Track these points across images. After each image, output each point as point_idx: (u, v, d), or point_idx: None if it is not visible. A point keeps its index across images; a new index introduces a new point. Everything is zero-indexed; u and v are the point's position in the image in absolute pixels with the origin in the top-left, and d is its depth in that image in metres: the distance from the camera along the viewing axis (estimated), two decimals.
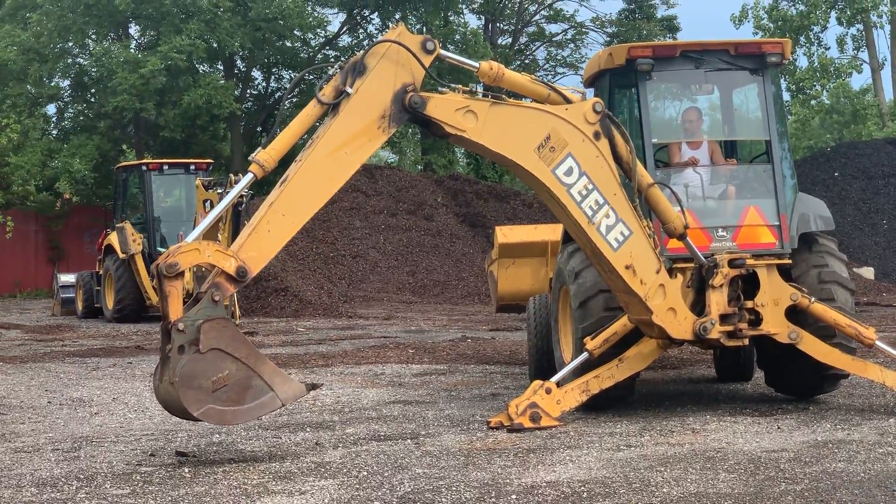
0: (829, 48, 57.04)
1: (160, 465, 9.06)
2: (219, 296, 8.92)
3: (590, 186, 10.30)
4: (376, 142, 9.82)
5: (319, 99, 9.66)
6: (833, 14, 53.01)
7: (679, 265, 11.18)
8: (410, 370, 15.54)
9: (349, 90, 9.62)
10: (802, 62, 52.68)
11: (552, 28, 58.31)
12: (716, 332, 10.81)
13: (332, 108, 9.74)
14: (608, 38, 55.13)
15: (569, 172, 10.25)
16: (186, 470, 8.76)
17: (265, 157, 9.39)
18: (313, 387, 9.61)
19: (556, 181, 10.24)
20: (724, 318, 10.89)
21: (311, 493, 7.93)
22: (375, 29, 53.58)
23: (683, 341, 11.13)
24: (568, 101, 10.44)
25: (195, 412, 8.76)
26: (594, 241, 10.38)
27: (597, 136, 10.36)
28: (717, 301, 10.87)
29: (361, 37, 53.44)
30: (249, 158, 9.49)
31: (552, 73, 59.48)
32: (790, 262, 11.41)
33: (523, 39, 58.89)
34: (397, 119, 9.78)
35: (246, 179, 9.53)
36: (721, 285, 10.88)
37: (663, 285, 10.59)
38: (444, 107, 9.98)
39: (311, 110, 9.73)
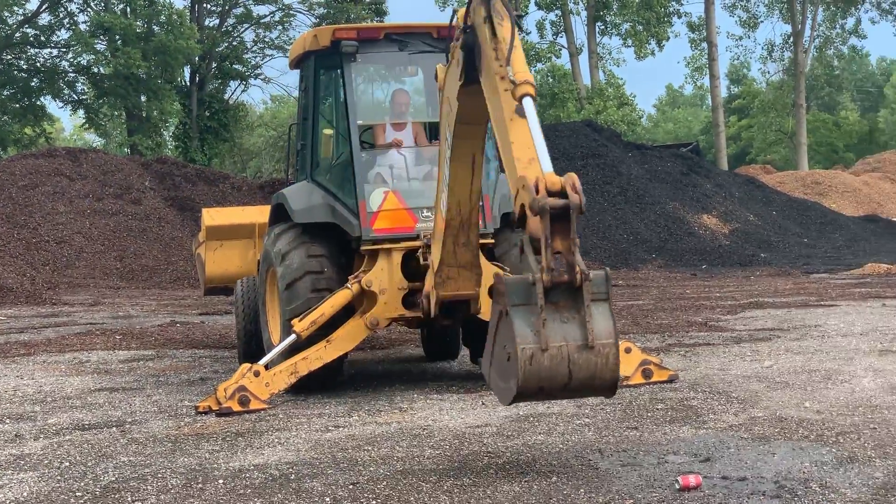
0: (529, 33, 58.83)
1: None
2: None
3: None
4: None
5: None
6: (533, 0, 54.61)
7: (387, 246, 11.32)
8: (117, 356, 15.16)
9: None
10: None
11: (260, 10, 57.95)
12: (434, 308, 10.97)
13: None
14: (317, 20, 55.10)
15: None
16: None
17: None
18: None
19: None
20: (428, 297, 11.08)
21: (9, 488, 7.63)
22: (77, 8, 51.96)
23: (421, 319, 11.34)
24: None
25: None
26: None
27: None
28: (429, 279, 11.02)
29: (62, 15, 51.70)
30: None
31: (260, 54, 59.12)
32: (493, 241, 11.70)
33: (231, 21, 58.21)
34: None
35: None
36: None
37: None
38: None
39: None
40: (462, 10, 9.28)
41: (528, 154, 7.47)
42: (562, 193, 6.88)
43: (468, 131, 9.47)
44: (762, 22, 69.68)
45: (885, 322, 16.49)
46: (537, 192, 6.86)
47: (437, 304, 10.82)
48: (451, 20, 9.48)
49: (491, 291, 7.14)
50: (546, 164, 7.19)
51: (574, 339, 6.81)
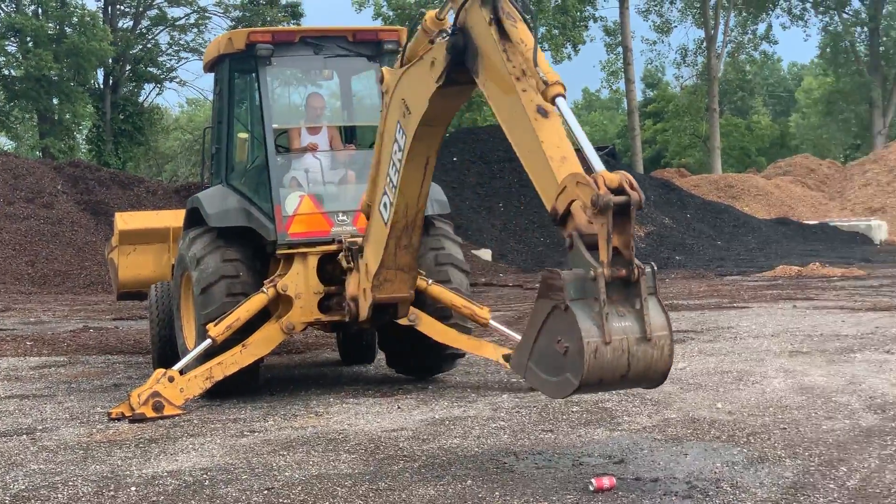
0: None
1: None
2: None
3: None
4: None
5: None
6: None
7: (303, 250, 11.30)
8: (28, 363, 14.94)
9: None
10: None
11: (174, 12, 57.38)
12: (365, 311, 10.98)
13: None
14: (232, 23, 54.73)
15: None
16: None
17: None
18: None
19: None
20: (355, 300, 11.09)
21: None
22: None
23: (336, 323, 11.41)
24: None
25: None
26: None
27: None
28: (356, 282, 11.02)
29: None
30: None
31: (175, 57, 58.59)
32: None
33: (145, 23, 57.61)
34: None
35: None
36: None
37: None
38: None
39: None
40: (432, 13, 9.29)
41: (559, 153, 7.55)
42: (620, 190, 6.95)
43: (428, 133, 9.52)
44: (676, 27, 70.26)
45: (795, 323, 16.75)
46: (599, 186, 6.91)
47: (370, 306, 10.83)
48: (416, 25, 9.48)
49: (543, 286, 7.17)
50: (597, 162, 7.26)
51: (633, 332, 6.98)
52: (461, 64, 8.52)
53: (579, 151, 7.59)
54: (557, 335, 7.05)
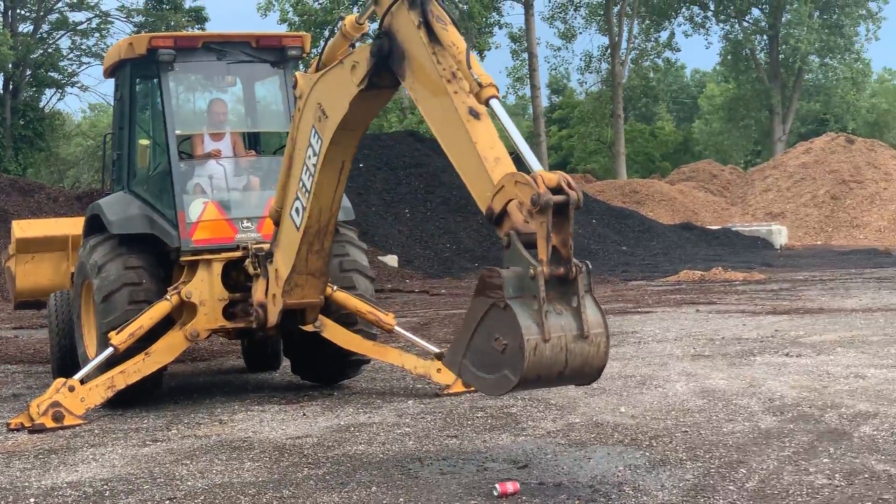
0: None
1: None
2: None
3: None
4: None
5: None
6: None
7: (207, 256, 11.22)
8: None
9: None
10: None
11: (76, 16, 56.59)
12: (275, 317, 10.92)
13: None
14: (135, 28, 54.11)
15: None
16: None
17: None
18: None
19: None
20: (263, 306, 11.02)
21: None
22: None
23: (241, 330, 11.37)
24: None
25: None
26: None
27: None
28: (263, 288, 10.94)
29: None
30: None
31: (77, 62, 57.79)
32: None
33: (46, 27, 56.75)
34: None
35: None
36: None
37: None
38: None
39: None
40: (352, 18, 9.26)
41: (493, 153, 7.61)
42: (559, 189, 6.99)
43: (346, 136, 9.50)
44: (580, 34, 70.92)
45: (697, 327, 16.97)
46: (538, 187, 6.93)
47: (280, 312, 10.76)
48: (333, 28, 9.46)
49: (480, 284, 7.23)
50: (535, 162, 7.31)
51: (571, 329, 7.05)
52: (385, 67, 8.52)
53: (514, 155, 7.68)
54: (496, 333, 7.10)
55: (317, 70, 9.71)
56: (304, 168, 9.88)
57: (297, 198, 10.07)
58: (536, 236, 7.04)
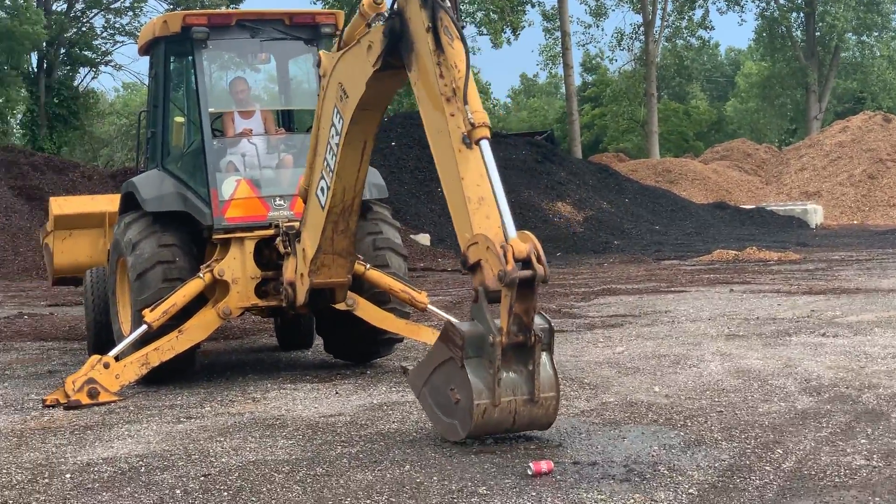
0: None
1: None
2: None
3: None
4: None
5: None
6: None
7: (239, 235, 11.23)
8: None
9: None
10: None
11: None
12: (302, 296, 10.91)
13: None
14: (169, 6, 54.15)
15: None
16: None
17: None
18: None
19: None
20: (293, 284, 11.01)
21: None
22: None
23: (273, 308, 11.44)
24: None
25: None
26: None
27: None
28: (293, 267, 10.94)
29: None
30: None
31: (111, 41, 57.88)
32: None
33: (80, 6, 56.86)
34: None
35: None
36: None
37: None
38: None
39: None
40: None
41: (477, 192, 7.78)
42: (527, 262, 7.29)
43: (366, 116, 9.53)
44: (613, 11, 70.50)
45: (731, 307, 16.88)
46: (506, 261, 7.19)
47: (308, 291, 10.76)
48: (354, 9, 9.45)
49: (443, 334, 7.53)
50: (510, 225, 7.55)
51: (522, 393, 7.57)
52: (397, 49, 8.50)
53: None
54: (451, 384, 7.61)
55: (339, 49, 9.70)
56: (328, 147, 9.90)
57: (322, 177, 10.09)
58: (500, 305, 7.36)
